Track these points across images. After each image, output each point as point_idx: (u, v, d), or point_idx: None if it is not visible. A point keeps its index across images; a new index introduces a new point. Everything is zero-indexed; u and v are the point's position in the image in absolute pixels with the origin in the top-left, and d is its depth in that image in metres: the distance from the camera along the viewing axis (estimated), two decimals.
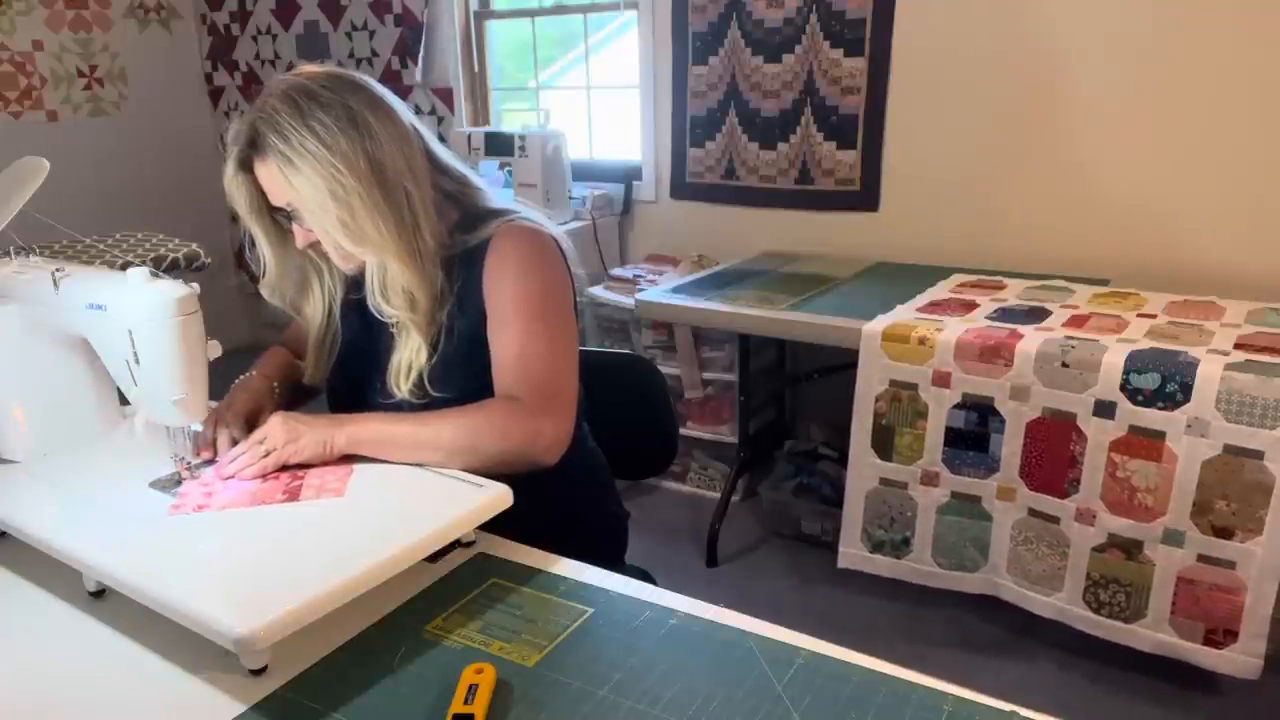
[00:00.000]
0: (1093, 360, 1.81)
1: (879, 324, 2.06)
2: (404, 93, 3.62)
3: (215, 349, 1.10)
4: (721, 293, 2.49)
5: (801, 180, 2.96)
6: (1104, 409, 1.81)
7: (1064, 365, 1.84)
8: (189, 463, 1.13)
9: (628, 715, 0.81)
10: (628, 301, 2.73)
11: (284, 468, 1.13)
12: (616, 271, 3.02)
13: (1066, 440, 1.86)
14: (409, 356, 1.23)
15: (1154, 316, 2.04)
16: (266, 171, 1.17)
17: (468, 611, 0.97)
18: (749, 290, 2.50)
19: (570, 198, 3.17)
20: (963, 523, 2.02)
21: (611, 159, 3.42)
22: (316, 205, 1.15)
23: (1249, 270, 2.37)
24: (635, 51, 3.18)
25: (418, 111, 3.18)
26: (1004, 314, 2.09)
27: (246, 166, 1.20)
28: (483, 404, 1.18)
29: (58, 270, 1.12)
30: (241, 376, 1.32)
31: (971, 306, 2.15)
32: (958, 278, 2.45)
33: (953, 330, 1.97)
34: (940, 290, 2.32)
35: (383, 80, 1.28)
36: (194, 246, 2.77)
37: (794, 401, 3.15)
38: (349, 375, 1.36)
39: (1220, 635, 1.78)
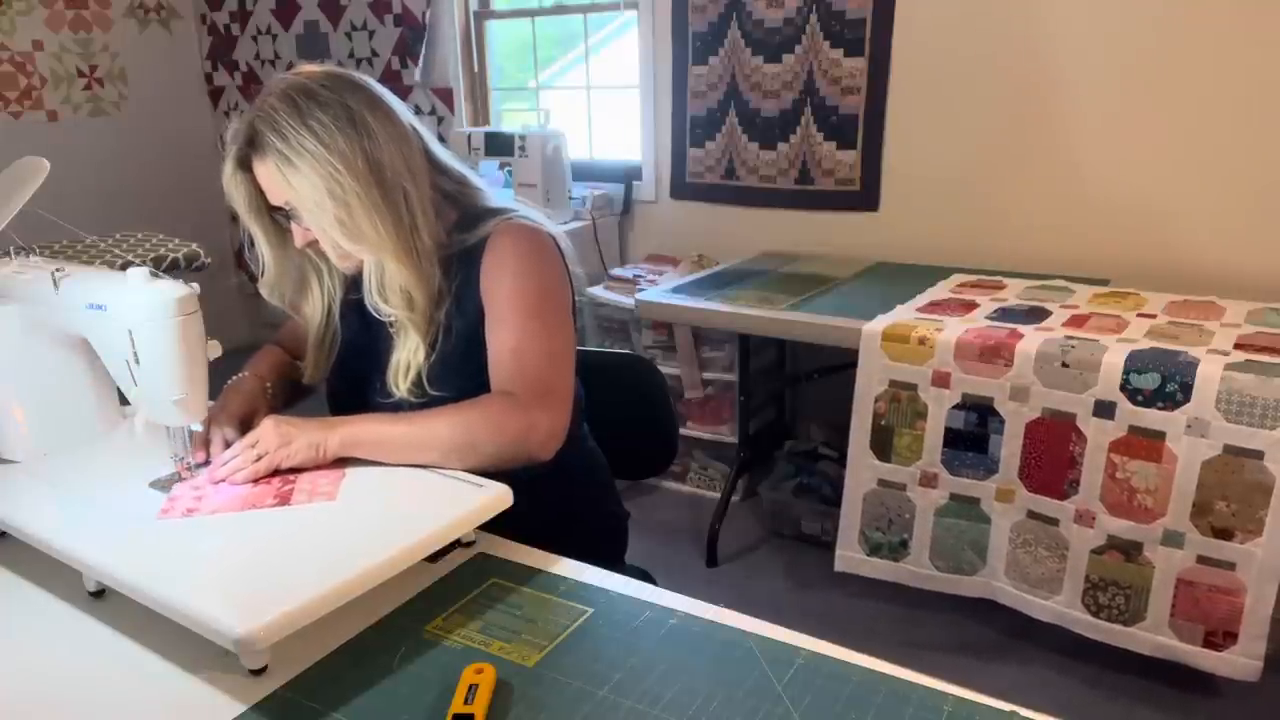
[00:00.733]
0: (1093, 360, 1.81)
1: (879, 324, 2.06)
2: (404, 93, 3.62)
3: (215, 349, 1.10)
4: (721, 293, 2.49)
5: (801, 180, 2.96)
6: (1104, 409, 1.81)
7: (1064, 365, 1.84)
8: (189, 463, 1.13)
9: (628, 715, 0.81)
10: (628, 301, 2.73)
11: (276, 472, 1.12)
12: (616, 271, 3.02)
13: (1066, 441, 1.86)
14: (407, 356, 1.23)
15: (1154, 316, 2.04)
16: (265, 170, 1.17)
17: (468, 611, 0.97)
18: (749, 290, 2.50)
19: (570, 198, 3.17)
20: (961, 525, 2.02)
21: (611, 159, 3.42)
22: (314, 204, 1.15)
23: (1249, 270, 2.37)
24: (635, 51, 3.18)
25: (418, 111, 3.18)
26: (1004, 314, 2.09)
27: (245, 165, 1.20)
28: (477, 400, 1.18)
29: (58, 270, 1.12)
30: (234, 377, 1.32)
31: (971, 306, 2.15)
32: (958, 278, 2.45)
33: (953, 330, 1.97)
34: (940, 290, 2.32)
35: (383, 80, 1.28)
36: (194, 246, 2.77)
37: (794, 401, 3.15)
38: (348, 375, 1.36)
39: (1220, 637, 1.78)
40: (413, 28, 3.57)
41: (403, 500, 1.08)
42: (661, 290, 2.59)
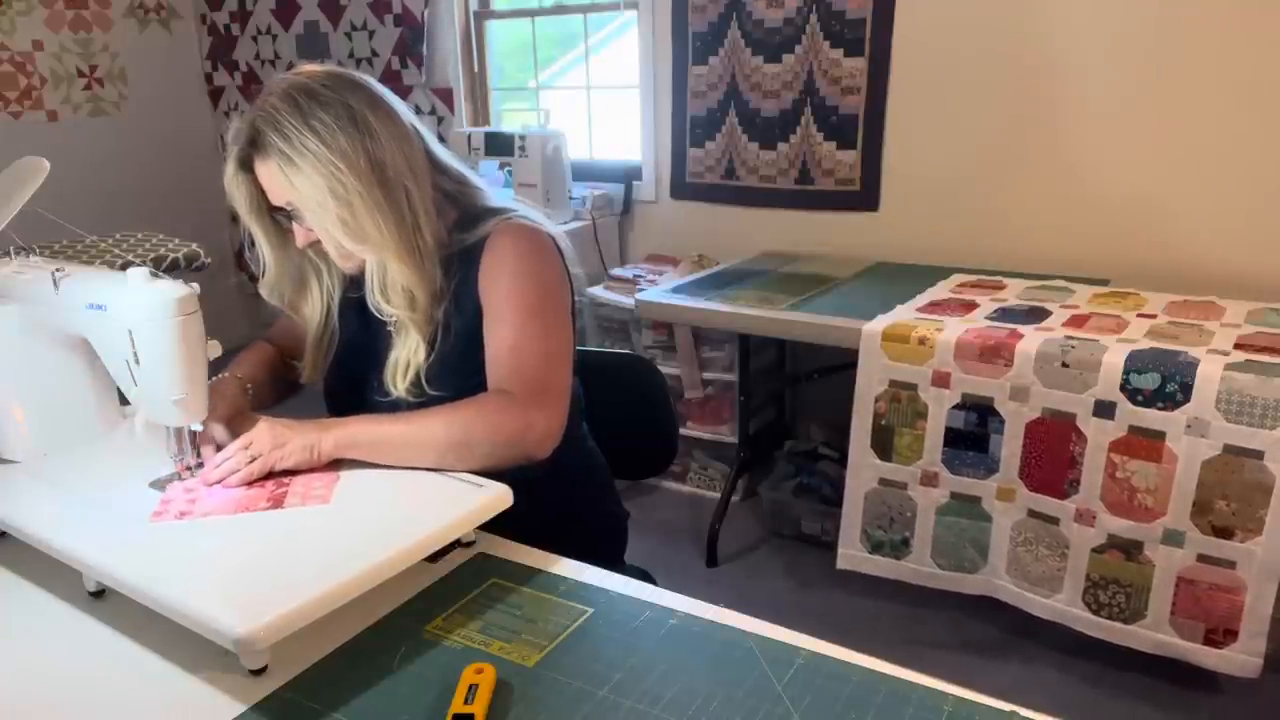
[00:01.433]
0: (1093, 360, 1.81)
1: (879, 324, 2.06)
2: (404, 93, 3.62)
3: (215, 349, 1.10)
4: (721, 293, 2.49)
5: (801, 180, 2.96)
6: (1104, 409, 1.81)
7: (1064, 365, 1.84)
8: (188, 463, 1.13)
9: (628, 715, 0.81)
10: (628, 301, 2.73)
11: (270, 474, 1.12)
12: (616, 271, 3.02)
13: (1066, 440, 1.86)
14: (406, 355, 1.23)
15: (1154, 316, 2.04)
16: (267, 170, 1.17)
17: (468, 611, 0.97)
18: (749, 290, 2.50)
19: (570, 198, 3.17)
20: (962, 523, 2.02)
21: (611, 159, 3.42)
22: (317, 204, 1.15)
23: (1249, 270, 2.37)
24: (635, 51, 3.18)
25: (418, 111, 3.18)
26: (1004, 314, 2.09)
27: (247, 166, 1.20)
28: (474, 399, 1.17)
29: (58, 270, 1.12)
30: (213, 378, 1.31)
31: (971, 306, 2.15)
32: (958, 278, 2.45)
33: (953, 330, 1.97)
34: (940, 290, 2.32)
35: (383, 80, 1.28)
36: (194, 246, 2.77)
37: (794, 401, 3.15)
38: (347, 374, 1.36)
39: (1220, 635, 1.78)
40: (413, 28, 3.57)
41: (402, 500, 1.08)
42: (661, 290, 2.59)
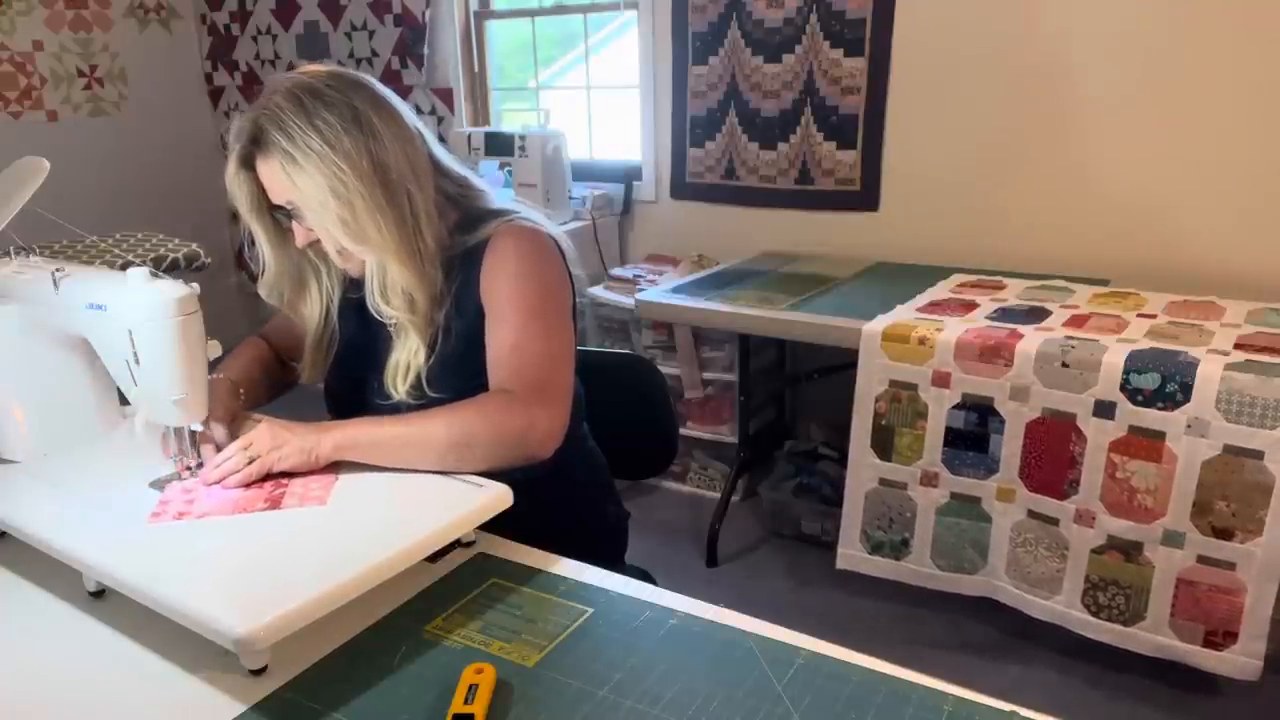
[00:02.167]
0: (1093, 360, 1.81)
1: (879, 324, 2.06)
2: (404, 93, 3.62)
3: (215, 349, 1.10)
4: (721, 293, 2.49)
5: (801, 180, 2.96)
6: (1104, 409, 1.81)
7: (1064, 365, 1.84)
8: (189, 463, 1.13)
9: (628, 715, 0.81)
10: (628, 301, 2.73)
11: (269, 476, 1.12)
12: (616, 271, 3.02)
13: (1066, 441, 1.86)
14: (407, 357, 1.23)
15: (1154, 316, 2.04)
16: (269, 168, 1.17)
17: (468, 611, 0.97)
18: (749, 290, 2.50)
19: (570, 198, 3.17)
20: (962, 524, 2.02)
21: (611, 159, 3.42)
22: (318, 203, 1.15)
23: (1249, 270, 2.37)
24: (635, 51, 3.18)
25: (418, 112, 3.17)
26: (1004, 314, 2.09)
27: (248, 164, 1.20)
28: (474, 399, 1.17)
29: (58, 270, 1.12)
30: (211, 377, 1.31)
31: (971, 306, 2.15)
32: (958, 278, 2.45)
33: (953, 330, 1.97)
34: (940, 290, 2.32)
35: (383, 80, 1.28)
36: (194, 246, 2.77)
37: (794, 401, 3.15)
38: (347, 375, 1.36)
39: (1220, 637, 1.78)
40: (413, 28, 3.57)
41: (403, 500, 1.08)
42: (661, 290, 2.59)
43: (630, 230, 3.35)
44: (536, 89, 3.64)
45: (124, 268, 1.09)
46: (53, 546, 0.99)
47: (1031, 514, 1.94)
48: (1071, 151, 2.55)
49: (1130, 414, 1.78)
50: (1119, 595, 1.86)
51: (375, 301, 1.21)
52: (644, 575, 1.35)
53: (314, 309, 1.34)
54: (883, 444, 2.08)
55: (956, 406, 1.97)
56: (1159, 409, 1.76)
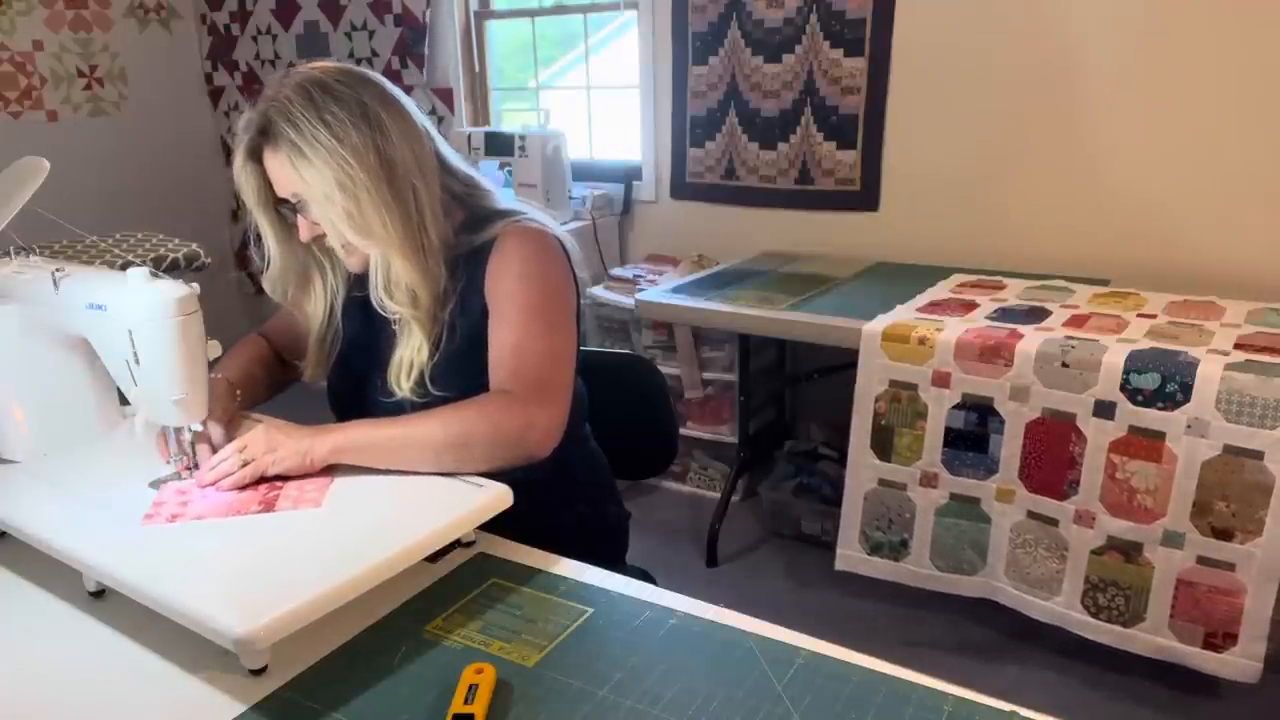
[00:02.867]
0: (1093, 360, 1.81)
1: (879, 324, 2.06)
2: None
3: (215, 349, 1.10)
4: (721, 293, 2.49)
5: (801, 180, 2.96)
6: (1104, 409, 1.81)
7: (1064, 365, 1.84)
8: (189, 464, 1.13)
9: (628, 715, 0.81)
10: (628, 301, 2.73)
11: (262, 478, 1.11)
12: (616, 271, 3.02)
13: (1066, 441, 1.86)
14: (410, 354, 1.23)
15: (1154, 316, 2.04)
16: (276, 160, 1.17)
17: (468, 611, 0.97)
18: (749, 290, 2.50)
19: (570, 198, 3.17)
20: (961, 525, 2.02)
21: (611, 159, 3.42)
22: (324, 196, 1.15)
23: (1249, 270, 2.37)
24: (635, 51, 3.18)
25: None
26: (1004, 314, 2.09)
27: (256, 156, 1.20)
28: (473, 399, 1.17)
29: (58, 270, 1.12)
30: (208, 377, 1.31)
31: (971, 306, 2.15)
32: (958, 278, 2.45)
33: (953, 330, 1.97)
34: (940, 290, 2.32)
35: None
36: (194, 246, 2.77)
37: (794, 401, 3.15)
38: (350, 374, 1.36)
39: (1219, 638, 1.78)
40: (413, 28, 3.57)
41: (402, 501, 1.08)
42: (661, 290, 2.59)
43: (630, 230, 3.35)
44: (536, 89, 3.64)
45: (124, 268, 1.09)
46: (53, 546, 0.99)
47: (1031, 515, 1.94)
48: (1071, 151, 2.55)
49: (1130, 414, 1.78)
50: (1118, 596, 1.86)
51: (379, 296, 1.22)
52: (644, 575, 1.35)
53: (318, 306, 1.34)
54: (882, 444, 2.07)
55: (956, 407, 1.97)
56: (1159, 409, 1.76)
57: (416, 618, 0.97)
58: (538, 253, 1.25)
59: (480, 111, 3.66)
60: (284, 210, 1.24)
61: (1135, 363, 1.78)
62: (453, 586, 1.02)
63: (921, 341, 1.98)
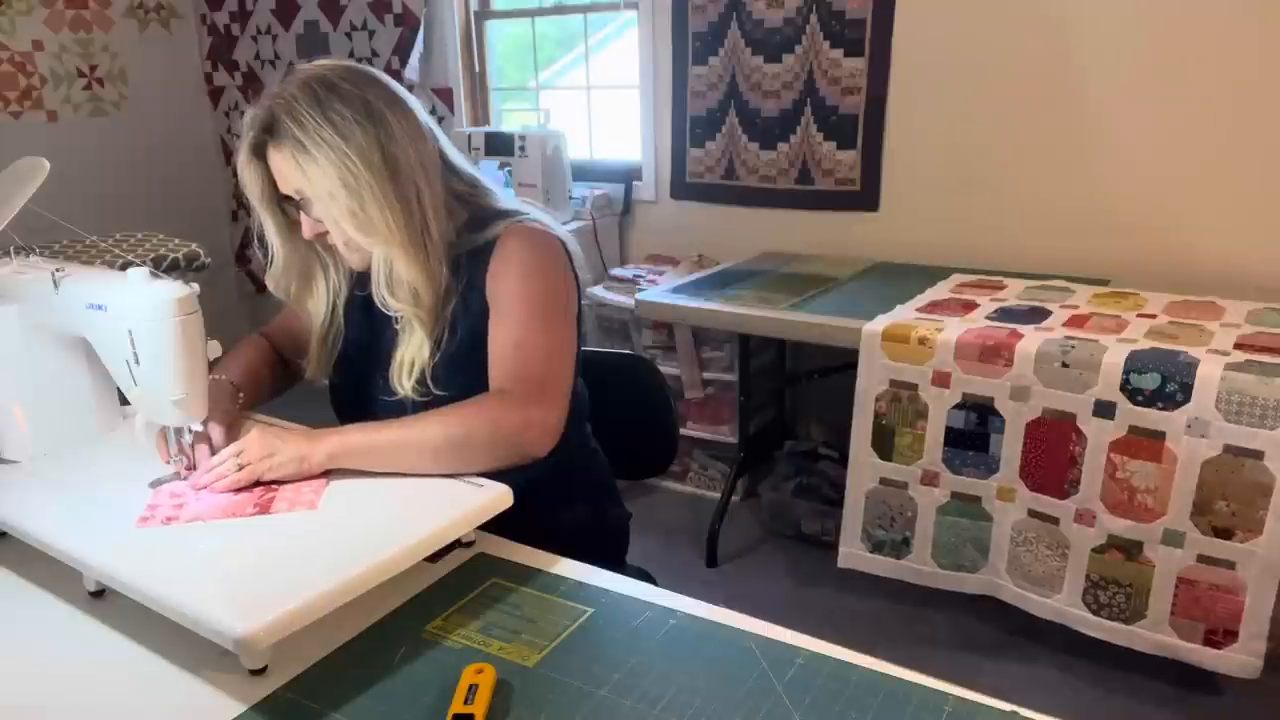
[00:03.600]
0: (1093, 360, 1.81)
1: (879, 324, 2.06)
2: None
3: (215, 349, 1.10)
4: (721, 293, 2.49)
5: (801, 180, 2.96)
6: (1104, 409, 1.81)
7: (1064, 365, 1.84)
8: (190, 464, 1.13)
9: (628, 715, 0.81)
10: (628, 301, 2.73)
11: (258, 481, 1.11)
12: (616, 271, 3.02)
13: (1066, 440, 1.86)
14: (412, 353, 1.23)
15: (1154, 316, 2.04)
16: (280, 157, 1.17)
17: (468, 611, 0.97)
18: (749, 290, 2.50)
19: (570, 198, 3.17)
20: (962, 523, 2.02)
21: (611, 159, 3.41)
22: (327, 194, 1.15)
23: (1249, 270, 2.37)
24: (635, 51, 3.18)
25: None
26: (1004, 314, 2.08)
27: (260, 153, 1.20)
28: (472, 399, 1.17)
29: (58, 270, 1.12)
30: (209, 378, 1.31)
31: (971, 306, 2.15)
32: (958, 278, 2.45)
33: (953, 330, 1.97)
34: (940, 290, 2.32)
35: None
36: (194, 246, 2.77)
37: (794, 401, 3.15)
38: (352, 372, 1.36)
39: (1220, 636, 1.78)
40: (414, 28, 3.57)
41: (402, 501, 1.08)
42: (661, 290, 2.59)
43: (630, 230, 3.35)
44: (536, 89, 3.64)
45: (124, 268, 1.09)
46: (53, 546, 0.99)
47: (1032, 513, 1.94)
48: (1071, 151, 2.55)
49: (1130, 414, 1.78)
50: (1119, 594, 1.86)
51: (381, 294, 1.22)
52: (644, 575, 1.35)
53: (320, 303, 1.34)
54: (883, 444, 2.07)
55: (957, 406, 1.97)
56: (1159, 409, 1.76)
57: (416, 618, 0.97)
58: (539, 253, 1.26)
59: (480, 111, 3.66)
60: (287, 208, 1.24)
61: (1135, 363, 1.78)
62: (453, 586, 1.02)
63: (922, 341, 1.98)
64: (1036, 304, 2.15)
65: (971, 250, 2.70)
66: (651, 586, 1.02)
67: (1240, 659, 1.76)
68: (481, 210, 1.30)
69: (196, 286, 1.06)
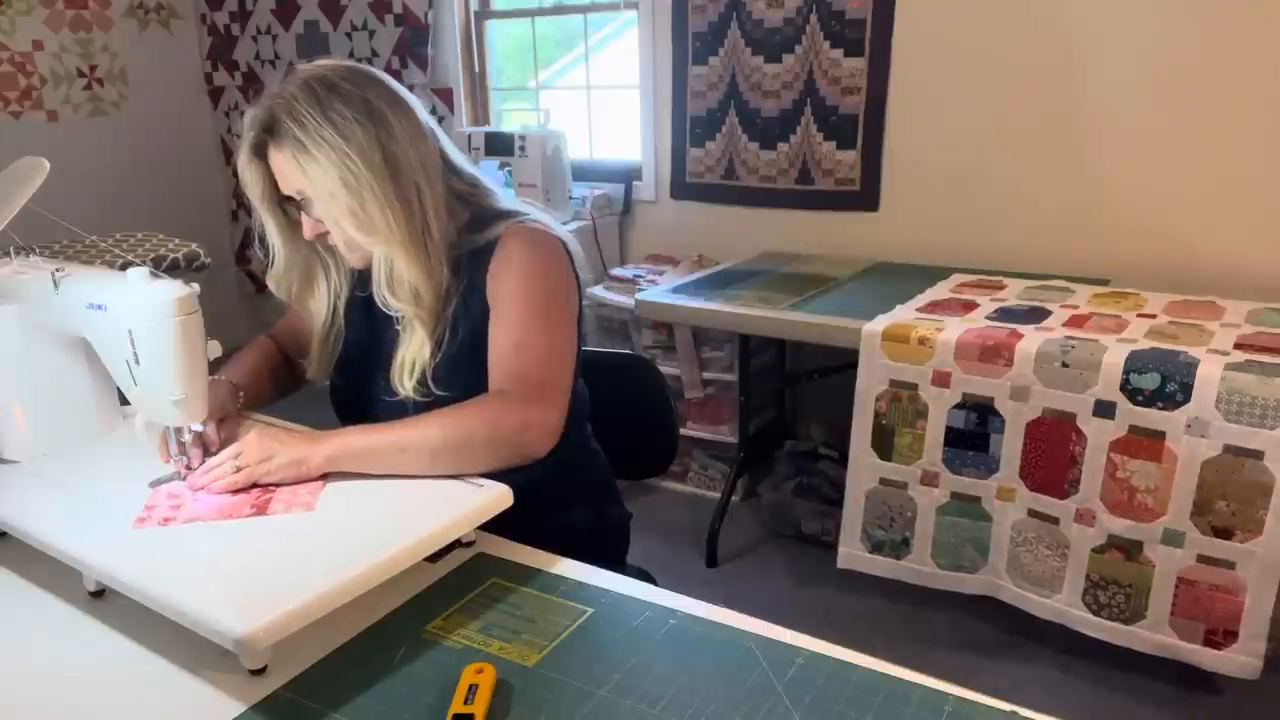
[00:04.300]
0: (1093, 360, 1.81)
1: (879, 324, 2.06)
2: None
3: (215, 349, 1.10)
4: (721, 293, 2.49)
5: (801, 180, 2.96)
6: (1104, 409, 1.81)
7: (1064, 365, 1.84)
8: (190, 464, 1.13)
9: (628, 715, 0.81)
10: (628, 301, 2.73)
11: (255, 483, 1.11)
12: (616, 271, 3.02)
13: (1066, 440, 1.86)
14: (413, 354, 1.23)
15: (1154, 316, 2.04)
16: (280, 157, 1.17)
17: (468, 611, 0.97)
18: (749, 290, 2.50)
19: (570, 198, 3.17)
20: (962, 523, 2.02)
21: (611, 159, 3.41)
22: (328, 194, 1.15)
23: (1249, 270, 2.37)
24: (635, 51, 3.18)
25: None
26: (1004, 314, 2.08)
27: (261, 153, 1.20)
28: (471, 400, 1.17)
29: (58, 270, 1.12)
30: (210, 378, 1.31)
31: (971, 306, 2.15)
32: (958, 278, 2.45)
33: (953, 330, 1.97)
34: (940, 290, 2.32)
35: None
36: (194, 246, 2.77)
37: (794, 401, 3.15)
38: (353, 373, 1.36)
39: (1220, 636, 1.78)
40: (414, 28, 3.57)
41: (402, 501, 1.08)
42: (661, 290, 2.59)
43: (630, 230, 3.35)
44: (536, 89, 3.64)
45: (124, 268, 1.09)
46: (53, 546, 0.99)
47: (1032, 513, 1.94)
48: (1071, 151, 2.55)
49: (1130, 414, 1.78)
50: (1119, 594, 1.86)
51: (382, 294, 1.22)
52: (644, 575, 1.35)
53: (321, 304, 1.34)
54: (883, 444, 2.07)
55: (957, 406, 1.97)
56: (1159, 409, 1.76)
57: (416, 618, 0.97)
58: (540, 253, 1.26)
59: (480, 111, 3.66)
60: (288, 208, 1.24)
61: (1135, 363, 1.78)
62: (453, 586, 1.02)
63: (922, 341, 1.98)
64: (1036, 304, 2.15)
65: (971, 250, 2.70)
66: (651, 586, 1.02)
67: (1240, 659, 1.76)
68: (482, 210, 1.30)
69: (196, 286, 1.06)
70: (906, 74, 2.72)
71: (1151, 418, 1.76)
